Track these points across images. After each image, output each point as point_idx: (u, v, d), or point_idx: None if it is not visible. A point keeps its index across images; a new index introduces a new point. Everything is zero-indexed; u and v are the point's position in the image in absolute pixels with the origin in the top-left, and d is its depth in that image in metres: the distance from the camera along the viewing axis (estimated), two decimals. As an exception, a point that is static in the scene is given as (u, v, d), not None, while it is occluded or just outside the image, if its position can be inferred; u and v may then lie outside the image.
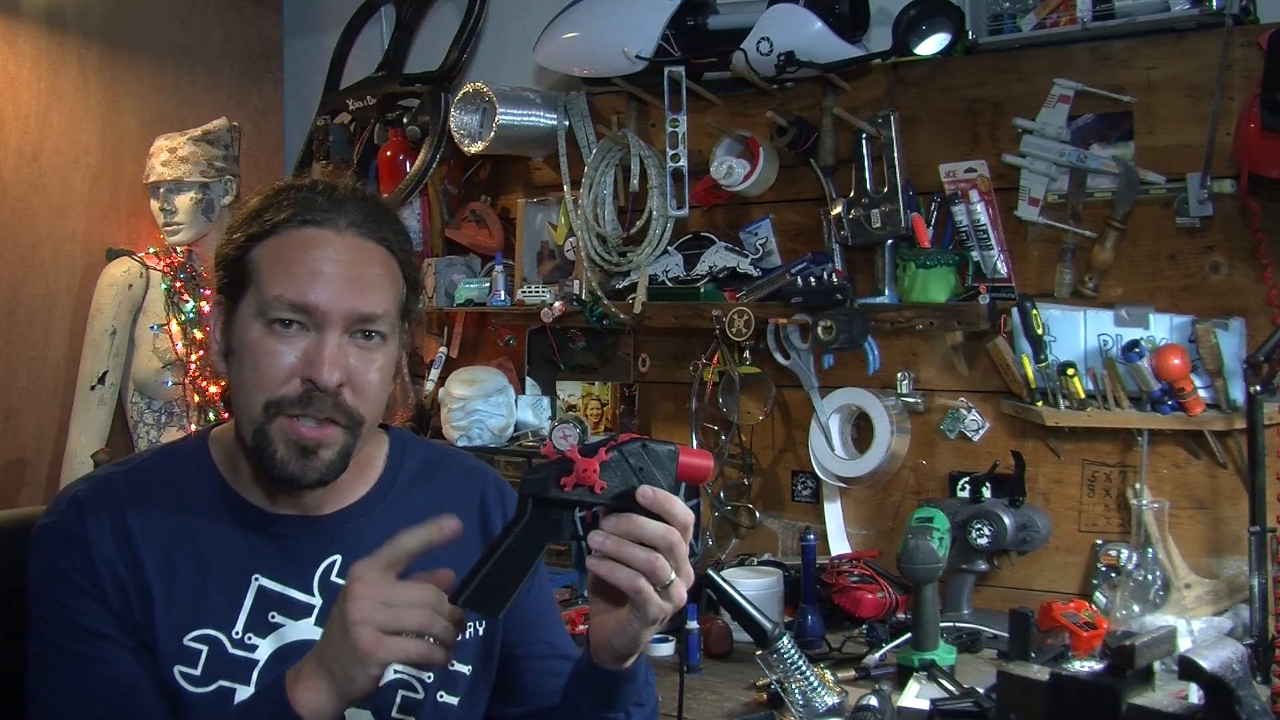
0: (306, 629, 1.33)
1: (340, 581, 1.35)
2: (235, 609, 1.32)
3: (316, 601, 1.35)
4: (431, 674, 1.38)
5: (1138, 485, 2.28)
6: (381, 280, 1.32)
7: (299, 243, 1.30)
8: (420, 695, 1.37)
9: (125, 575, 1.29)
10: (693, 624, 2.16)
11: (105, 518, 1.30)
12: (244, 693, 1.30)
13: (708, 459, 1.22)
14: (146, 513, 1.32)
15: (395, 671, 1.35)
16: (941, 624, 2.09)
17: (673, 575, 1.17)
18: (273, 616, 1.33)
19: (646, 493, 1.16)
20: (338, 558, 1.37)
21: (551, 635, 1.49)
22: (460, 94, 2.91)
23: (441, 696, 1.39)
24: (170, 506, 1.33)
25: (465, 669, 1.41)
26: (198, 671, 1.29)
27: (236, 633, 1.31)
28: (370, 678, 1.14)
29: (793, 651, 1.84)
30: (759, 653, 1.89)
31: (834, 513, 2.64)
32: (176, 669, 1.28)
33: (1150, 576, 2.19)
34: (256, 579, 1.33)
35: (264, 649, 1.32)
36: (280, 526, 1.36)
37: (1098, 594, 2.26)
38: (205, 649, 1.30)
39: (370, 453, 1.44)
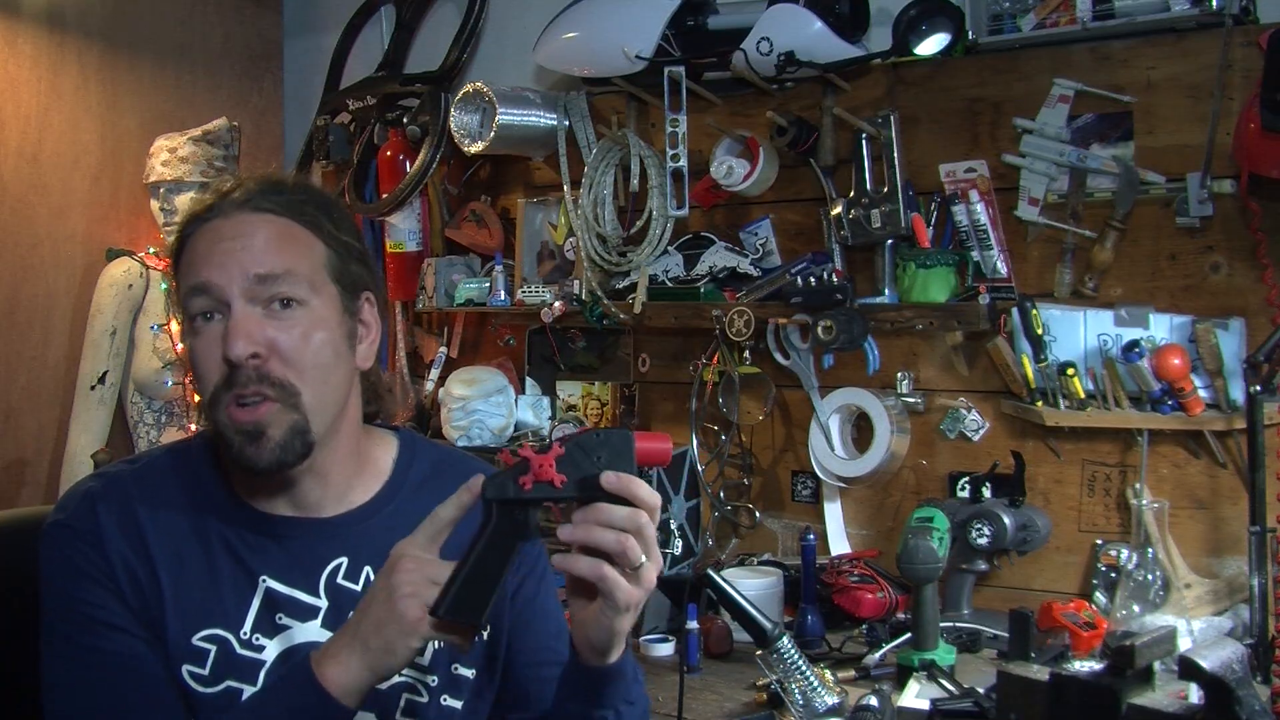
0: (313, 631, 1.34)
1: (346, 584, 1.36)
2: (243, 610, 1.32)
3: (322, 604, 1.35)
4: (436, 677, 1.38)
5: (1138, 485, 2.28)
6: (277, 241, 1.30)
7: (196, 239, 1.32)
8: (425, 699, 1.37)
9: (139, 570, 1.29)
10: (693, 624, 2.16)
11: (117, 514, 1.31)
12: (251, 693, 1.30)
13: (665, 440, 1.22)
14: (156, 511, 1.32)
15: (400, 675, 1.35)
16: (941, 624, 2.09)
17: (643, 558, 1.16)
18: (279, 618, 1.33)
19: (610, 478, 1.16)
20: (344, 560, 1.37)
21: (556, 641, 1.48)
22: (460, 94, 2.91)
23: (445, 700, 1.39)
24: (179, 506, 1.34)
25: (469, 673, 1.41)
26: (206, 671, 1.29)
27: (244, 633, 1.31)
28: (411, 650, 1.16)
29: (793, 651, 1.84)
30: (759, 653, 1.90)
31: (834, 513, 2.64)
32: (185, 668, 1.29)
33: (1150, 576, 2.19)
34: (264, 580, 1.33)
35: (271, 650, 1.32)
36: (287, 529, 1.36)
37: (1098, 594, 2.26)
38: (213, 649, 1.30)
39: (378, 454, 1.44)
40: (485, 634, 1.41)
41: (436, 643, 1.29)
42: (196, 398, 3.15)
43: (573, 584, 1.22)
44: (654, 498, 1.17)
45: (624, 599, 1.17)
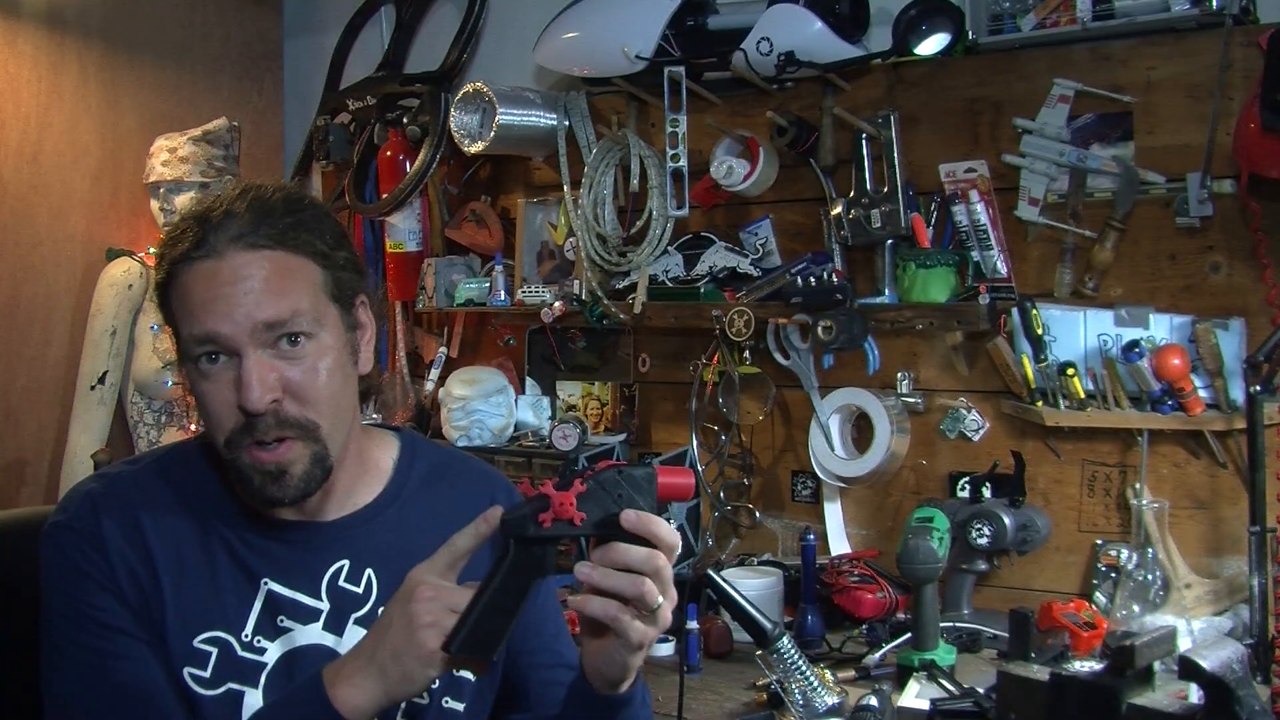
0: (314, 633, 1.34)
1: (348, 587, 1.36)
2: (245, 612, 1.32)
3: (324, 606, 1.35)
4: (437, 680, 1.38)
5: (1138, 485, 2.28)
6: (279, 282, 1.27)
7: (191, 280, 1.27)
8: (426, 701, 1.37)
9: (140, 571, 1.29)
10: (693, 624, 2.17)
11: (118, 515, 1.30)
12: (252, 695, 1.30)
13: (688, 477, 1.21)
14: (158, 513, 1.32)
15: None
16: (941, 624, 2.09)
17: (660, 599, 1.16)
18: (281, 620, 1.33)
19: (630, 517, 1.15)
20: (346, 563, 1.37)
21: (557, 644, 1.49)
22: (460, 94, 2.91)
23: (447, 702, 1.39)
24: (181, 508, 1.34)
25: (471, 676, 1.41)
26: (207, 673, 1.29)
27: (246, 635, 1.31)
28: (428, 679, 1.16)
29: (793, 651, 1.84)
30: (759, 653, 1.90)
31: (834, 513, 2.64)
32: (186, 670, 1.29)
33: (1150, 576, 2.19)
34: (266, 583, 1.33)
35: (272, 652, 1.32)
36: (289, 531, 1.36)
37: (1098, 594, 2.26)
38: (215, 651, 1.30)
39: (378, 455, 1.44)
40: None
41: None
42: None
43: (586, 622, 1.22)
44: (673, 537, 1.17)
45: (638, 639, 1.17)
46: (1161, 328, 2.25)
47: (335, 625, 1.34)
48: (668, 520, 1.20)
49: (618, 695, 1.26)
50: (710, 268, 2.68)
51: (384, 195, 3.10)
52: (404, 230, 3.13)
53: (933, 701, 1.86)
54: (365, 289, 1.39)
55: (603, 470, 1.18)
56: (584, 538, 1.18)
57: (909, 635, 2.09)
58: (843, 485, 2.61)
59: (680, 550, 1.20)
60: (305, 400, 1.28)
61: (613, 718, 1.29)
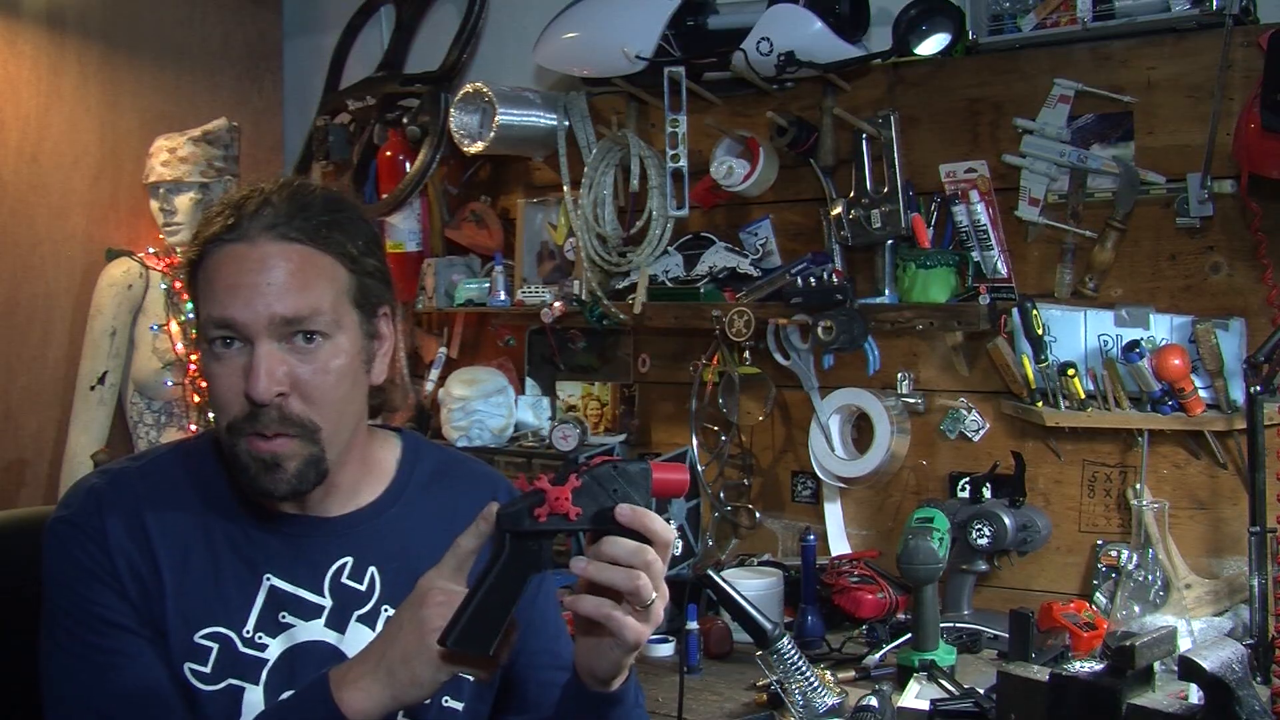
0: (316, 630, 1.34)
1: (351, 584, 1.36)
2: (247, 608, 1.32)
3: (327, 603, 1.35)
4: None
5: (1138, 485, 2.28)
6: (303, 278, 1.28)
7: (219, 261, 1.28)
8: (426, 700, 1.37)
9: (142, 567, 1.29)
10: (693, 624, 2.16)
11: (121, 512, 1.31)
12: (253, 692, 1.30)
13: (682, 472, 1.21)
14: (161, 509, 1.32)
15: None
16: (941, 624, 2.09)
17: (653, 595, 1.16)
18: (283, 617, 1.33)
19: (624, 511, 1.15)
20: (349, 559, 1.37)
21: (556, 645, 1.49)
22: (460, 94, 2.91)
23: (447, 701, 1.39)
24: (184, 504, 1.34)
25: (476, 679, 1.41)
26: (207, 669, 1.29)
27: (247, 632, 1.31)
28: (438, 684, 1.16)
29: (793, 652, 1.84)
30: (759, 653, 1.89)
31: (834, 513, 2.64)
32: (186, 666, 1.29)
33: (1150, 577, 2.19)
34: (268, 578, 1.33)
35: (274, 649, 1.32)
36: (292, 527, 1.36)
37: (1098, 594, 2.26)
38: (216, 647, 1.30)
39: (381, 455, 1.45)
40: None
41: None
42: (196, 398, 3.16)
43: (580, 620, 1.22)
44: (668, 533, 1.17)
45: (633, 637, 1.17)
46: (1162, 328, 2.25)
47: (337, 622, 1.35)
48: (667, 519, 1.19)
49: (609, 693, 1.26)
50: (710, 268, 2.68)
51: (384, 195, 3.10)
52: (404, 230, 3.13)
53: (933, 702, 1.86)
54: (390, 300, 1.40)
55: (598, 465, 1.18)
56: (581, 534, 1.18)
57: (909, 636, 2.08)
58: (843, 485, 2.61)
59: (677, 549, 1.20)
60: (310, 399, 1.28)
61: (604, 715, 1.28)
